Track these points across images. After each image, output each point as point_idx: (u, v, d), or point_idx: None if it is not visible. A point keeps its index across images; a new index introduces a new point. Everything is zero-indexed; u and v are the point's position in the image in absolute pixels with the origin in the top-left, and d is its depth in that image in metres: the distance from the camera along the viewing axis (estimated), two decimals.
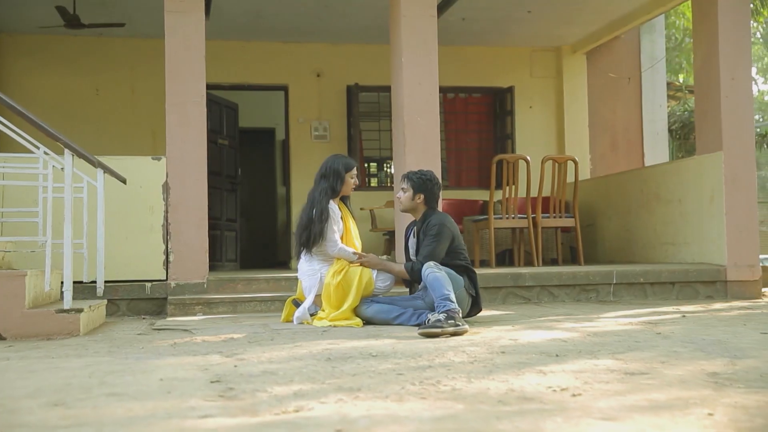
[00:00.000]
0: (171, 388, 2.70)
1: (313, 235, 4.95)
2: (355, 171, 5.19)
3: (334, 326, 4.73)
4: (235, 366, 3.19)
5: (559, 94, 10.43)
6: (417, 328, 4.42)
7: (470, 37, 9.90)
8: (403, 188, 5.09)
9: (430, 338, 4.08)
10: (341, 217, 5.13)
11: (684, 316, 5.18)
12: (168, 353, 3.68)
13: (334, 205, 5.07)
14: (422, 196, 5.01)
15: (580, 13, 9.20)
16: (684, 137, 12.53)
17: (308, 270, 5.07)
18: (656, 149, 10.57)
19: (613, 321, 4.88)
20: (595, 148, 10.50)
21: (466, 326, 4.23)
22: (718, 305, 6.12)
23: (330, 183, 5.07)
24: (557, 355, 3.35)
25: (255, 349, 3.75)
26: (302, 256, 5.10)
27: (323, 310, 4.93)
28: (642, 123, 10.64)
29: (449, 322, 4.14)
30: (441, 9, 7.11)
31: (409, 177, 5.08)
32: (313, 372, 2.99)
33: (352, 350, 3.61)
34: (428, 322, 4.20)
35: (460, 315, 4.32)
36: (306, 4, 8.56)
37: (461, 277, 4.79)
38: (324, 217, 4.95)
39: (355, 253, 5.07)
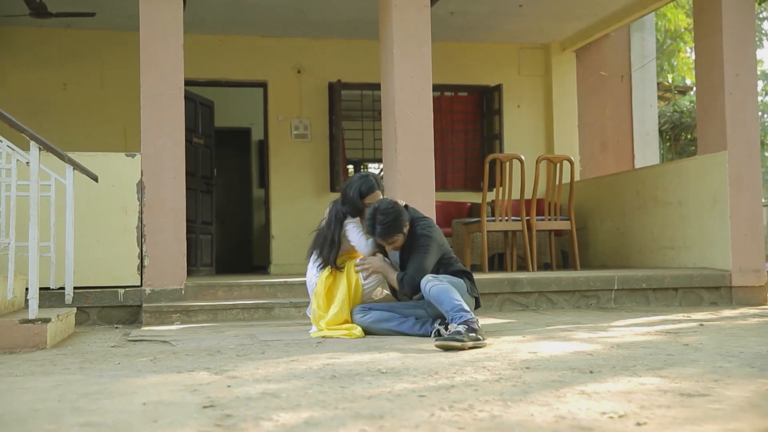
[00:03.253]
0: (157, 415, 2.29)
1: (323, 259, 4.63)
2: (375, 194, 4.65)
3: (332, 336, 4.33)
4: (229, 386, 2.79)
5: (548, 93, 10.09)
6: (421, 338, 4.06)
7: (457, 33, 9.55)
8: (395, 241, 4.46)
9: (447, 351, 3.68)
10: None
11: (702, 324, 4.86)
12: (149, 370, 3.26)
13: (349, 223, 4.70)
14: (408, 224, 4.52)
15: (570, 10, 8.90)
16: (674, 138, 12.29)
17: (309, 275, 4.76)
18: (646, 150, 10.28)
19: (629, 330, 4.54)
20: (585, 148, 10.18)
21: (487, 340, 3.86)
22: (727, 312, 5.82)
23: (347, 211, 4.66)
24: (591, 372, 2.98)
25: (246, 364, 3.34)
26: (311, 260, 4.75)
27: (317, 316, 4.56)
28: (632, 123, 10.33)
29: (470, 335, 3.76)
30: (430, 2, 6.76)
31: (400, 230, 4.41)
32: (321, 393, 2.59)
33: (357, 366, 3.22)
34: (446, 332, 3.83)
35: (479, 324, 3.93)
36: None
37: (462, 282, 4.42)
38: (336, 243, 4.62)
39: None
